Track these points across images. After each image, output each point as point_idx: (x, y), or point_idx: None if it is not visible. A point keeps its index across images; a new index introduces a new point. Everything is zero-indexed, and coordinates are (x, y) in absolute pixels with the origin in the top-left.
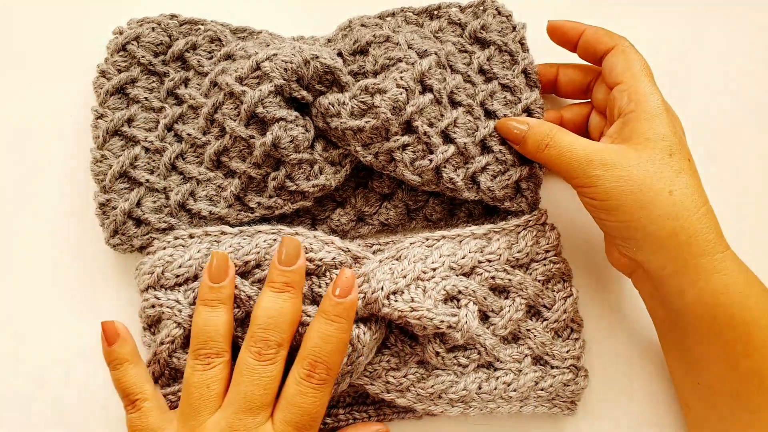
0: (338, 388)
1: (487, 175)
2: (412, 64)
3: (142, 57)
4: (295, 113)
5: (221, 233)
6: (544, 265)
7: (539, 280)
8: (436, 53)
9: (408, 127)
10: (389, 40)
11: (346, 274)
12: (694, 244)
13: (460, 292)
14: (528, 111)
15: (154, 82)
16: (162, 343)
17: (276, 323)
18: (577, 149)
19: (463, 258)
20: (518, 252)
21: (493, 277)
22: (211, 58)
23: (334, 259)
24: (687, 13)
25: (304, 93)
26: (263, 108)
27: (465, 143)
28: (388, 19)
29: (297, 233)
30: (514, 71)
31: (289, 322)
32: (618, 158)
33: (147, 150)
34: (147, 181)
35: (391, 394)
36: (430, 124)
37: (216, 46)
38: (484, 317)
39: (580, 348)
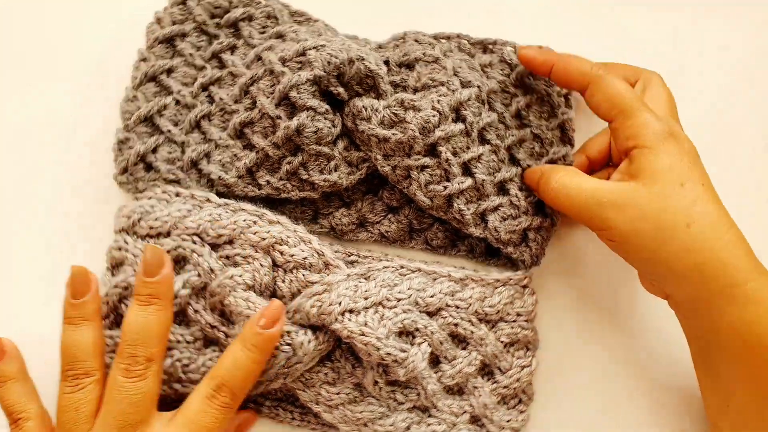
0: (270, 385)
1: (497, 216)
2: (453, 91)
3: (199, 15)
4: (327, 106)
5: (206, 200)
6: (512, 327)
7: (502, 341)
8: (478, 86)
9: (432, 150)
10: (437, 62)
11: (275, 305)
12: (720, 276)
13: (417, 329)
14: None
15: (203, 41)
16: (115, 287)
17: (143, 338)
18: (586, 190)
19: (431, 296)
20: (489, 306)
21: (456, 324)
22: (263, 32)
23: (305, 259)
24: (686, 13)
25: (340, 90)
26: (297, 93)
27: (483, 180)
28: (443, 41)
29: (278, 221)
30: (550, 123)
31: (158, 336)
32: (628, 198)
33: (177, 102)
34: (169, 131)
35: (320, 407)
36: (454, 153)
37: (271, 22)
38: (435, 361)
39: (522, 421)
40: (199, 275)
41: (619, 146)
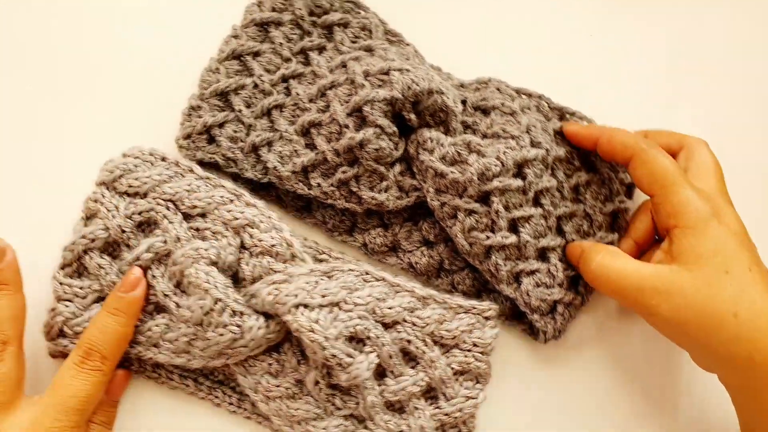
0: (211, 362)
1: (531, 280)
2: (521, 147)
3: (299, 9)
4: (395, 128)
5: (190, 170)
6: (465, 356)
7: (453, 368)
8: (546, 150)
9: (484, 198)
10: (513, 116)
11: (135, 273)
12: None
13: (369, 337)
14: None
15: (295, 34)
16: (83, 237)
17: None
18: (627, 275)
19: (390, 308)
20: (446, 330)
21: (409, 341)
22: (354, 42)
23: (273, 246)
24: (687, 13)
25: (412, 116)
26: (370, 108)
27: (527, 241)
28: (523, 96)
29: (255, 205)
30: (604, 207)
31: (9, 319)
32: (672, 284)
33: (255, 86)
34: (240, 111)
35: (258, 396)
36: (506, 207)
37: (365, 34)
38: (381, 374)
39: None
40: (165, 241)
41: (661, 223)
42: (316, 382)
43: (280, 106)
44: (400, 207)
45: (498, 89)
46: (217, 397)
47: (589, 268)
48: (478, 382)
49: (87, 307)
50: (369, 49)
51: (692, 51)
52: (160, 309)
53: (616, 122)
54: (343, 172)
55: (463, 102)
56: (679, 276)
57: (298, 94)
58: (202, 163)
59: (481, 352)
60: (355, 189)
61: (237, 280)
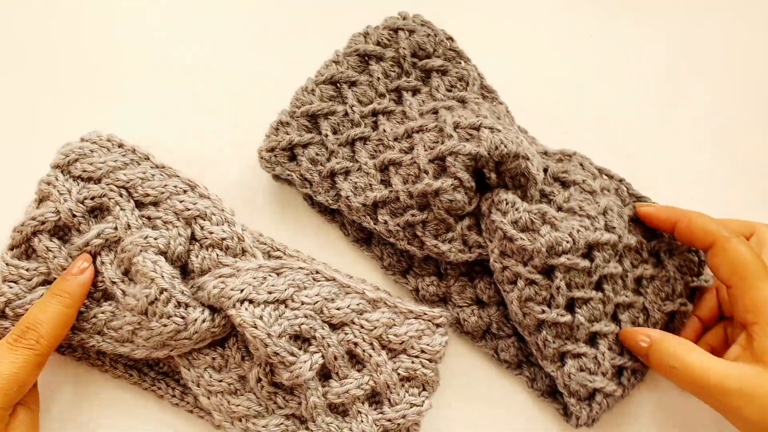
0: (154, 353)
1: (576, 363)
2: (596, 229)
3: (402, 48)
4: (473, 184)
5: (146, 158)
6: (413, 362)
7: (399, 374)
8: (619, 237)
9: (548, 271)
10: (593, 195)
11: (83, 258)
12: None
13: (314, 337)
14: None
15: (393, 71)
16: (33, 219)
17: None
18: (710, 375)
19: (338, 309)
20: (394, 335)
21: (356, 344)
22: (449, 90)
23: (224, 240)
24: (687, 14)
25: (493, 175)
26: (453, 159)
27: (581, 323)
28: (604, 177)
29: (209, 197)
30: (664, 305)
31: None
32: (758, 388)
33: (345, 114)
34: (326, 135)
35: (200, 390)
36: (567, 286)
37: (460, 85)
38: (326, 375)
39: None
40: (115, 228)
41: (738, 316)
42: (259, 380)
43: (364, 139)
44: (461, 261)
45: (581, 165)
46: (160, 388)
47: (664, 364)
48: (424, 390)
49: (31, 290)
50: (462, 101)
51: (692, 51)
52: (107, 296)
53: (616, 122)
54: (412, 215)
55: (544, 170)
56: (765, 378)
57: (384, 131)
58: (278, 178)
59: (429, 359)
60: (420, 234)
61: (186, 271)
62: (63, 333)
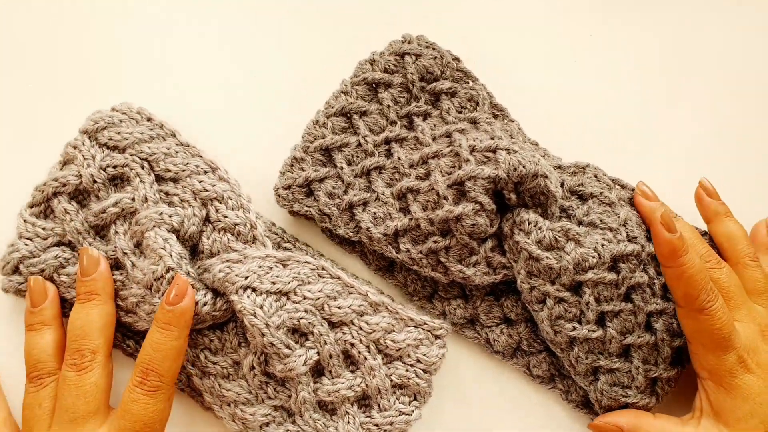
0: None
1: (608, 378)
2: (619, 241)
3: (411, 73)
4: (494, 206)
5: (172, 134)
6: (407, 370)
7: (392, 380)
8: (642, 246)
9: (576, 288)
10: (611, 207)
11: (179, 282)
12: None
13: (312, 333)
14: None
15: (403, 97)
16: (55, 179)
17: (85, 332)
18: None
19: (339, 308)
20: (392, 341)
21: (352, 344)
22: (460, 112)
23: (236, 225)
24: (687, 14)
25: (513, 196)
26: (473, 184)
27: (612, 337)
28: (618, 187)
29: (228, 181)
30: None
31: (100, 328)
32: None
33: (359, 145)
34: (341, 168)
35: (194, 369)
36: (597, 300)
37: (470, 105)
38: (319, 372)
39: None
40: (133, 199)
41: (695, 365)
42: (252, 368)
43: (380, 168)
44: (487, 283)
45: (596, 177)
46: None
47: None
48: (415, 399)
49: (45, 249)
50: (474, 122)
51: (692, 51)
52: (119, 266)
53: (616, 122)
54: (435, 242)
55: (561, 185)
56: None
57: (399, 158)
58: (295, 214)
59: (424, 370)
60: (443, 260)
61: (195, 252)
62: (179, 364)
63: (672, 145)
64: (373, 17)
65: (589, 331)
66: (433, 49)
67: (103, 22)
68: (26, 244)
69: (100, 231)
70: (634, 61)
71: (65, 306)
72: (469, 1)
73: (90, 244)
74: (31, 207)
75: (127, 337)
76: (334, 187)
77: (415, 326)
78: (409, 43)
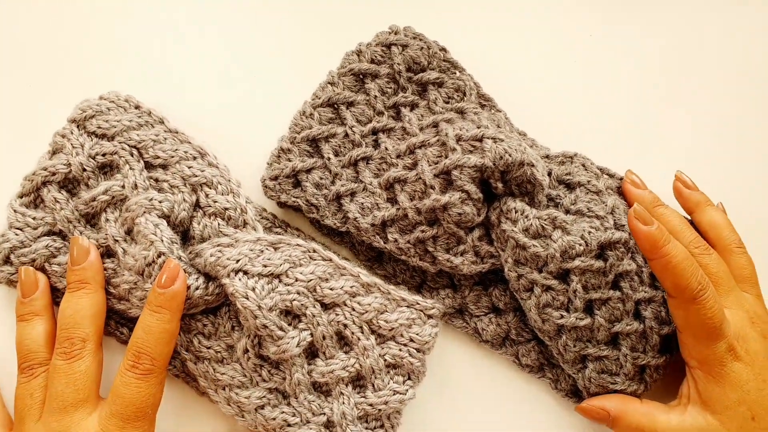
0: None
1: (596, 366)
2: (606, 228)
3: (397, 64)
4: (481, 195)
5: (160, 121)
6: (400, 350)
7: (385, 360)
8: (629, 234)
9: (563, 275)
10: (599, 195)
11: (171, 265)
12: None
13: (305, 314)
14: (669, 337)
15: (390, 88)
16: (44, 169)
17: (75, 321)
18: (657, 428)
19: (331, 289)
20: (384, 321)
21: (345, 325)
22: (447, 102)
23: (227, 209)
24: (688, 14)
25: (499, 185)
26: (459, 173)
27: (600, 325)
28: (606, 176)
29: (217, 167)
30: None
31: (90, 316)
32: None
33: (346, 135)
34: (328, 159)
35: (188, 354)
36: (584, 288)
37: (458, 95)
38: (313, 354)
39: None
40: (123, 186)
41: (683, 353)
42: (246, 351)
43: (367, 158)
44: (474, 273)
45: (583, 166)
46: None
47: (632, 428)
48: (409, 379)
49: (36, 239)
50: (461, 112)
51: (692, 51)
52: (110, 253)
53: (616, 122)
54: (422, 231)
55: (548, 174)
56: (715, 429)
57: (386, 149)
58: (283, 205)
59: (417, 349)
60: (431, 249)
61: (186, 237)
62: (171, 346)
63: (671, 145)
64: (371, 13)
65: (576, 319)
66: (420, 39)
67: (99, 16)
68: (16, 234)
69: (91, 219)
70: (634, 61)
71: (57, 296)
72: (469, 1)
73: (81, 233)
74: (21, 197)
75: (120, 324)
76: (321, 178)
77: (407, 306)
78: (395, 33)
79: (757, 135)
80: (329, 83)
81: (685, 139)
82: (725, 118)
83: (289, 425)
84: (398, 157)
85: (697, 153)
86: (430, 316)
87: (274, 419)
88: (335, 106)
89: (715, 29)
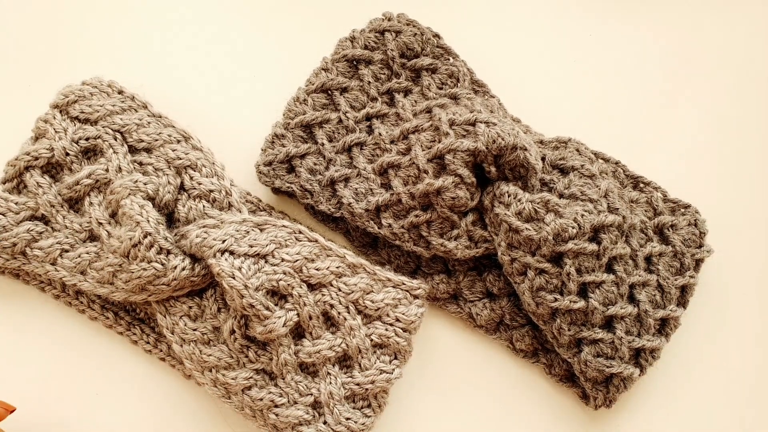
0: (133, 297)
1: (592, 350)
2: (599, 212)
3: (390, 50)
4: (474, 179)
5: (144, 106)
6: (386, 329)
7: (372, 340)
8: (623, 217)
9: (557, 259)
10: (593, 179)
11: None
12: None
13: (291, 295)
14: (663, 321)
15: (383, 74)
16: (27, 153)
17: None
18: None
19: (317, 269)
20: (371, 301)
21: (332, 306)
22: (440, 88)
23: (211, 192)
24: (687, 14)
25: (492, 169)
26: (452, 157)
27: (595, 308)
28: (601, 161)
29: (201, 150)
30: (675, 281)
31: None
32: None
33: (340, 121)
34: (322, 144)
35: (174, 337)
36: (578, 271)
37: (451, 81)
38: (300, 334)
39: (362, 425)
40: (106, 170)
41: None
42: (232, 332)
43: (361, 144)
44: (468, 257)
45: (577, 150)
46: (135, 334)
47: None
48: (395, 358)
49: (18, 223)
50: (454, 97)
51: (692, 51)
52: (93, 238)
53: (616, 121)
54: (416, 216)
55: (542, 159)
56: None
57: (380, 134)
58: (277, 191)
59: (403, 329)
60: (425, 234)
61: (172, 220)
62: None
63: (671, 145)
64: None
65: (570, 302)
66: (414, 26)
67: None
68: None
69: (74, 204)
70: (634, 61)
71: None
72: (469, 1)
73: (64, 217)
74: (4, 183)
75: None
76: (315, 164)
77: (393, 286)
78: (389, 20)
79: (757, 135)
80: (323, 69)
81: (685, 138)
82: (725, 118)
83: (276, 406)
84: (392, 142)
85: (695, 151)
86: (416, 296)
87: (261, 400)
88: (329, 91)
89: (715, 29)
